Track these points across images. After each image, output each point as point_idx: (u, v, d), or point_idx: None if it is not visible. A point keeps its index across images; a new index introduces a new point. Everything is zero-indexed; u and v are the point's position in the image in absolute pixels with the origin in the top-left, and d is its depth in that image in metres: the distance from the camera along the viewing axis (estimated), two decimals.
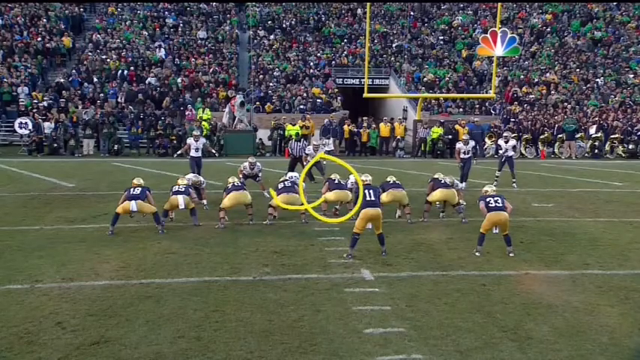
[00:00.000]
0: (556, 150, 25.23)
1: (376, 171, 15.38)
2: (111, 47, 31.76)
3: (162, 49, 31.88)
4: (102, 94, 27.32)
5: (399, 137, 24.66)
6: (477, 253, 9.67)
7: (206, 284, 8.23)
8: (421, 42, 35.76)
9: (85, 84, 28.18)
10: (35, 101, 25.71)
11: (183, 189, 11.49)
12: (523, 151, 24.73)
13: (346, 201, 12.07)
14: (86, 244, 10.10)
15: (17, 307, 7.41)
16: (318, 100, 28.13)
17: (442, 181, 12.13)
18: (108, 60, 30.25)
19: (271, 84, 29.67)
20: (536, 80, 32.04)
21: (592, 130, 25.56)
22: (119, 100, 27.22)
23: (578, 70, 33.30)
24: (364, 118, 25.87)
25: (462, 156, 15.84)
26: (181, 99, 27.51)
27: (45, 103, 25.45)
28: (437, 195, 12.04)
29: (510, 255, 9.59)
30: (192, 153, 15.18)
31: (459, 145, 16.26)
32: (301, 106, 27.63)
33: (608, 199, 15.01)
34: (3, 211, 12.55)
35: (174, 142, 22.56)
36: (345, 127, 24.80)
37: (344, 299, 7.73)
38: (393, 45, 35.10)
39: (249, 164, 13.75)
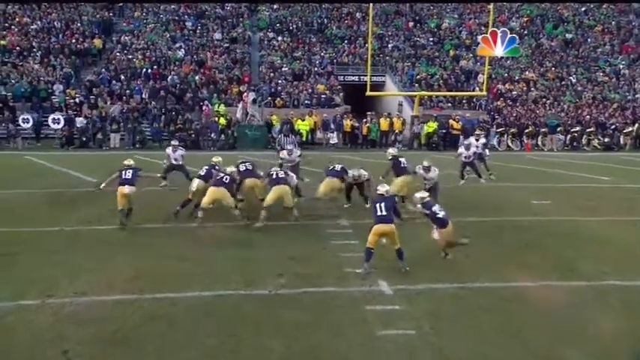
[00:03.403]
0: (539, 143, 23.61)
1: (375, 164, 13.67)
2: (136, 48, 29.93)
3: (182, 49, 30.07)
4: (128, 91, 25.60)
5: (397, 131, 22.99)
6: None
7: (220, 300, 6.76)
8: (413, 43, 33.90)
9: (114, 82, 26.42)
10: (68, 98, 24.00)
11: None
12: (510, 144, 23.17)
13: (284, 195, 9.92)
14: (103, 249, 8.61)
15: (25, 328, 6.03)
16: (323, 96, 26.42)
17: (402, 165, 11.26)
18: (134, 59, 28.46)
19: (280, 81, 27.92)
20: (517, 78, 30.29)
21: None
22: (143, 96, 25.48)
23: (553, 68, 31.54)
24: (369, 113, 24.07)
25: (463, 159, 13.85)
26: (200, 94, 25.80)
27: (77, 100, 23.74)
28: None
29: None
30: (173, 162, 12.94)
31: (460, 149, 14.25)
32: (307, 101, 25.95)
33: (600, 194, 13.47)
34: (28, 210, 11.01)
35: (193, 135, 20.95)
36: (347, 121, 23.12)
37: (364, 319, 6.29)
38: (389, 45, 33.26)
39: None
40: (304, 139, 21.81)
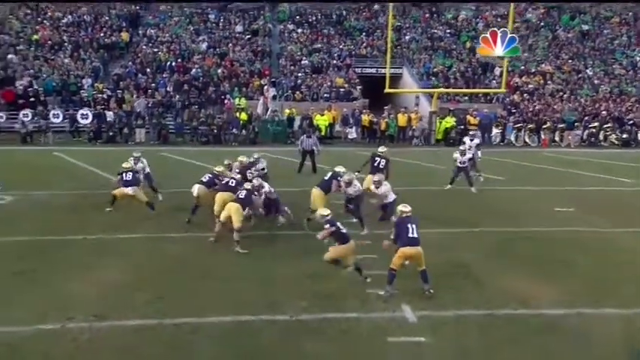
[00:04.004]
0: (556, 138, 22.54)
1: (393, 162, 12.98)
2: (162, 41, 29.36)
3: (205, 42, 29.42)
4: (153, 84, 25.13)
5: (415, 127, 22.13)
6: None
7: (241, 326, 6.26)
8: (430, 35, 32.69)
9: (140, 75, 25.96)
10: (95, 92, 23.62)
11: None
12: (527, 140, 22.18)
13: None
14: (125, 261, 8.14)
15: (42, 358, 5.59)
16: (341, 90, 25.59)
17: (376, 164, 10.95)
18: (159, 53, 27.93)
19: (300, 74, 27.13)
20: (533, 70, 29.01)
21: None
22: (168, 89, 25.00)
23: (570, 61, 30.14)
24: (386, 108, 23.15)
25: (458, 164, 12.81)
26: (221, 88, 25.21)
27: (105, 96, 23.34)
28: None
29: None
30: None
31: (455, 154, 12.92)
32: (326, 95, 25.18)
33: (624, 200, 12.55)
34: (52, 214, 10.60)
35: (215, 130, 20.42)
36: (365, 116, 22.33)
37: (388, 354, 5.75)
38: (406, 37, 32.13)
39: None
40: (323, 133, 21.14)
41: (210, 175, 9.99)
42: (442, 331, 6.22)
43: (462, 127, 21.50)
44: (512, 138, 22.21)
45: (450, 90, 25.37)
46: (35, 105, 22.22)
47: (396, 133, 22.31)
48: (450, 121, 21.81)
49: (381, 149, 11.54)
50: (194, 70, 26.33)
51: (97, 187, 12.66)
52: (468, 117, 22.10)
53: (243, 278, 7.55)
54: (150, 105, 22.80)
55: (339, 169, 9.78)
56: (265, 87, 23.85)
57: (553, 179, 15.01)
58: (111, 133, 20.18)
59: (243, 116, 20.92)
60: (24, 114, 20.60)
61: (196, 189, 9.77)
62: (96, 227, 9.71)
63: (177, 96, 24.10)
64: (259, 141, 20.57)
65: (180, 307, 6.68)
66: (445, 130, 21.73)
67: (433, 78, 26.91)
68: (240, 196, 8.77)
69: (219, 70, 26.54)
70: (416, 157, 17.90)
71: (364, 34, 32.23)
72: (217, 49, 28.86)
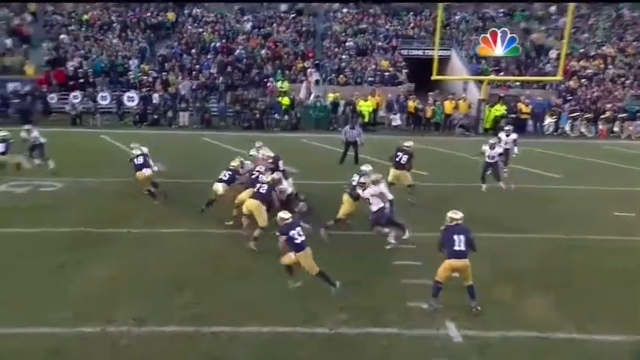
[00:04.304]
0: (616, 129, 21.12)
1: (435, 152, 12.55)
2: (206, 21, 29.36)
3: (249, 22, 29.17)
4: (197, 66, 25.21)
5: (461, 115, 21.23)
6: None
7: (279, 339, 6.11)
8: (482, 14, 31.12)
9: (185, 55, 26.08)
10: (141, 74, 23.93)
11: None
12: (583, 130, 20.90)
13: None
14: (167, 259, 8.14)
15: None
16: (386, 73, 24.83)
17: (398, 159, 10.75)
18: (203, 33, 27.93)
19: (344, 56, 26.49)
20: (592, 53, 27.16)
21: None
22: (211, 71, 25.02)
23: (634, 42, 28.00)
24: (431, 94, 22.27)
25: (487, 160, 11.99)
26: (265, 70, 24.99)
27: (150, 78, 23.61)
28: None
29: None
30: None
31: (484, 147, 12.04)
32: (370, 78, 24.51)
33: None
34: (97, 203, 10.80)
35: (257, 115, 20.28)
36: (410, 102, 21.56)
37: None
38: (456, 17, 30.74)
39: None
40: (366, 120, 20.62)
41: (229, 173, 9.94)
42: (489, 354, 5.87)
43: (514, 115, 20.44)
44: (567, 128, 21.00)
45: (501, 78, 24.12)
46: (84, 86, 22.76)
47: (443, 121, 21.49)
48: (499, 109, 20.78)
49: (408, 144, 11.13)
50: (238, 50, 26.20)
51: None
52: (520, 105, 21.00)
53: (281, 282, 7.36)
54: (194, 87, 22.89)
55: (365, 167, 9.34)
56: (309, 70, 23.45)
57: (611, 177, 14.02)
58: (155, 116, 20.39)
59: (285, 101, 20.64)
60: (74, 95, 21.14)
61: (221, 188, 9.74)
62: (140, 220, 9.80)
63: (221, 78, 24.11)
64: (301, 127, 20.29)
65: (217, 313, 6.60)
66: (494, 119, 20.71)
67: (483, 61, 25.68)
68: (261, 191, 8.68)
69: (263, 52, 26.30)
70: (462, 149, 17.18)
71: (412, 13, 31.10)
72: (261, 30, 28.58)
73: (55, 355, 5.75)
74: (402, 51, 27.75)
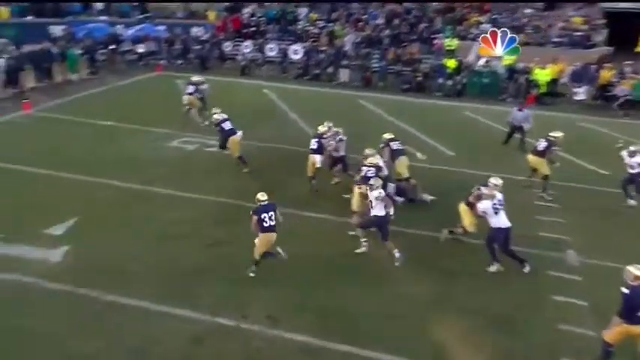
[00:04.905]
0: None
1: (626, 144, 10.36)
2: None
3: None
4: (365, 16, 24.40)
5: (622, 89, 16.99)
6: None
7: None
8: None
9: (353, 4, 25.37)
10: (308, 25, 24.02)
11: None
12: None
13: None
14: (307, 249, 7.99)
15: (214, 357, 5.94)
16: (577, 33, 21.10)
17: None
18: None
19: (527, 10, 23.13)
20: None
21: None
22: (378, 22, 24.03)
23: None
24: (628, 62, 18.21)
25: (630, 170, 9.79)
26: (433, 26, 23.19)
27: (317, 29, 23.56)
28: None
29: None
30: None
31: (622, 153, 9.95)
32: (556, 39, 21.11)
33: None
34: (254, 170, 11.03)
35: (419, 78, 19.02)
36: (605, 72, 17.93)
37: None
38: None
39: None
40: (543, 90, 17.99)
41: (316, 141, 9.90)
42: None
43: None
44: None
45: None
46: (255, 35, 23.69)
47: None
48: None
49: (555, 134, 10.15)
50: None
51: (296, 143, 12.21)
52: None
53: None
54: (358, 40, 22.28)
55: (494, 180, 7.87)
56: (482, 26, 21.04)
57: None
58: (317, 71, 20.43)
59: (452, 64, 18.91)
60: (245, 45, 22.15)
61: (318, 160, 9.84)
62: (287, 199, 9.25)
63: (387, 31, 23.04)
64: (466, 94, 18.54)
65: (344, 329, 6.41)
66: None
67: None
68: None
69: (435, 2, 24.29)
70: None
71: None
72: None
73: (196, 343, 6.13)
74: (604, 3, 23.24)
